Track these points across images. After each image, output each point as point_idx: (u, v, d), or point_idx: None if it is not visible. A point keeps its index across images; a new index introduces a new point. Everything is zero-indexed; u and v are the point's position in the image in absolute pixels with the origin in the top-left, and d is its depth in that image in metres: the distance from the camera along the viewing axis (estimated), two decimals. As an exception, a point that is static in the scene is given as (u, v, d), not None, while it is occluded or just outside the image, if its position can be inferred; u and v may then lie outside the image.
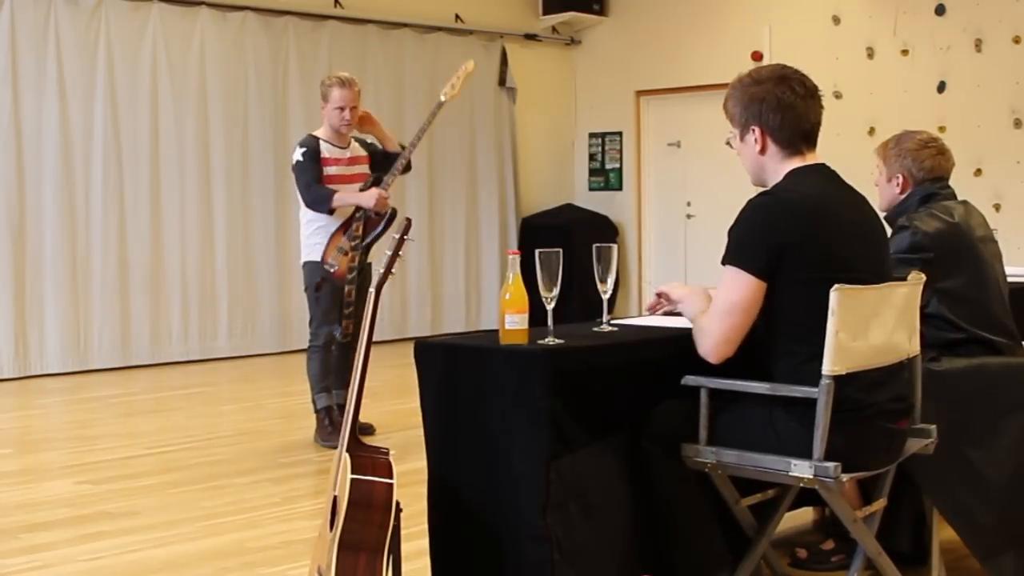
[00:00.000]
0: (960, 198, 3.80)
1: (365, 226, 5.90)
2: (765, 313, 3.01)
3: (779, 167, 3.08)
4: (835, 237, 2.98)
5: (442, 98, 6.00)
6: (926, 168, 3.75)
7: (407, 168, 5.99)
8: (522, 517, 2.96)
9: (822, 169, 3.10)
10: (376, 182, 5.97)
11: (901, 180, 3.76)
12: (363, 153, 6.12)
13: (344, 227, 5.90)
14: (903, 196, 3.77)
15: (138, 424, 6.79)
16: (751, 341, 3.03)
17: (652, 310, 3.45)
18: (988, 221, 3.87)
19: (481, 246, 11.01)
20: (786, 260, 2.93)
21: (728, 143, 3.18)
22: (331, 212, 5.85)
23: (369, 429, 6.05)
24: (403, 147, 6.02)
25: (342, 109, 5.90)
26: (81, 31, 8.55)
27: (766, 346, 3.04)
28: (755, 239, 2.97)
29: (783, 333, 3.00)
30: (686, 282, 3.40)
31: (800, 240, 2.93)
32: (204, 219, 9.17)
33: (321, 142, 5.96)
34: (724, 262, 3.01)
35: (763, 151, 3.08)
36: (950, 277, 3.54)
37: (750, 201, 3.02)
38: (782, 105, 3.03)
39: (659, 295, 3.41)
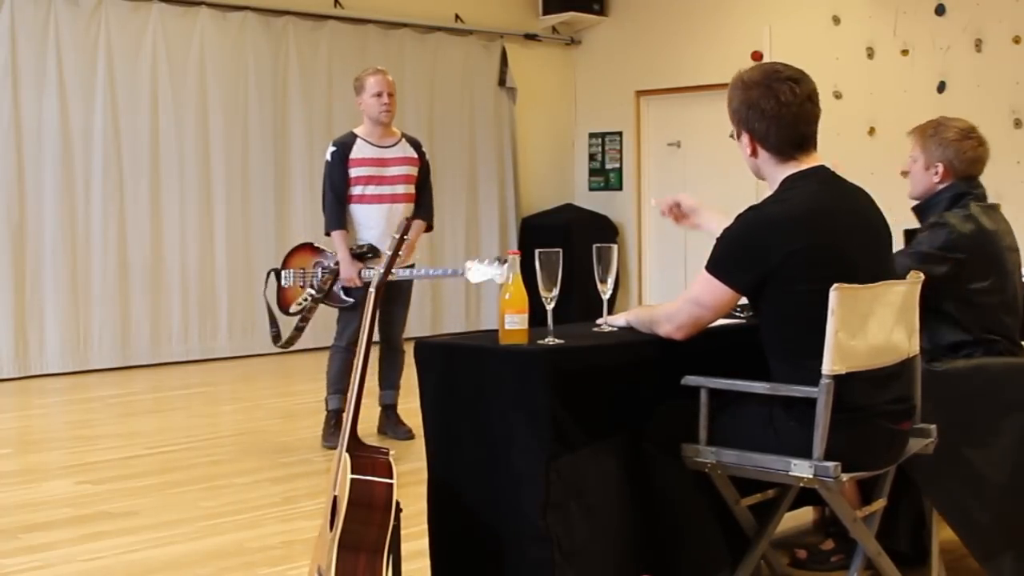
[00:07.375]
0: (991, 199, 3.75)
1: (331, 283, 5.81)
2: (764, 319, 3.03)
3: (774, 172, 3.08)
4: (832, 241, 2.96)
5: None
6: (968, 159, 3.68)
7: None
8: (522, 517, 2.96)
9: (820, 173, 3.06)
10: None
11: (941, 170, 3.67)
12: (412, 155, 5.94)
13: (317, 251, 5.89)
14: (941, 187, 3.69)
15: (138, 424, 6.79)
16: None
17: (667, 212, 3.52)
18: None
19: (481, 246, 10.99)
20: (780, 274, 2.93)
21: (731, 136, 3.19)
22: (327, 234, 5.84)
23: (408, 434, 5.92)
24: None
25: (379, 95, 5.74)
26: (81, 31, 8.55)
27: (766, 347, 3.05)
28: (737, 257, 3.00)
29: (783, 336, 3.00)
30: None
31: (789, 253, 2.91)
32: (204, 219, 9.16)
33: (358, 140, 5.81)
34: (706, 268, 3.03)
35: (754, 155, 3.10)
36: (975, 280, 3.54)
37: (739, 216, 3.03)
38: (767, 116, 3.01)
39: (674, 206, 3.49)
